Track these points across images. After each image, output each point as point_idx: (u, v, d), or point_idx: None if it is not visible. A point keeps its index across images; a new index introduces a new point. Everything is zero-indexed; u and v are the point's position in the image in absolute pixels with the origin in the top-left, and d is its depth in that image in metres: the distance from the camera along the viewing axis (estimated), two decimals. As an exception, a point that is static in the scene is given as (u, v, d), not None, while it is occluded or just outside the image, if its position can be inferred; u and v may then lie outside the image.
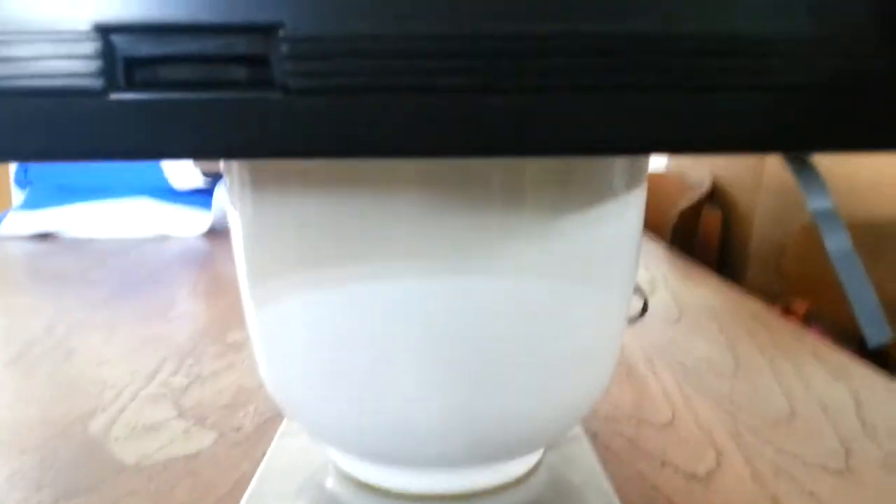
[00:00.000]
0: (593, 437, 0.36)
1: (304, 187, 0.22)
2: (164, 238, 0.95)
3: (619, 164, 0.23)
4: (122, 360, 0.47)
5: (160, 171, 0.97)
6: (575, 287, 0.24)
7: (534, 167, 0.22)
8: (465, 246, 0.22)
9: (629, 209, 0.25)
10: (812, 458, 0.34)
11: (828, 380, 0.44)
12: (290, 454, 0.31)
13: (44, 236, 0.95)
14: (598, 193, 0.23)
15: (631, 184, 0.24)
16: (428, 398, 0.24)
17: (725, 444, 0.35)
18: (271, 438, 0.35)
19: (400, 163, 0.21)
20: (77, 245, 0.89)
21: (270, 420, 0.37)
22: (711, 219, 1.17)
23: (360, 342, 0.23)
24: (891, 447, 0.35)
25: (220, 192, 0.98)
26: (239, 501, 0.27)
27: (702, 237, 1.15)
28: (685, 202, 1.11)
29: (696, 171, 1.26)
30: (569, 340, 0.24)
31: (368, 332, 0.23)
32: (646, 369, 0.46)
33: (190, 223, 0.96)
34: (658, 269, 0.77)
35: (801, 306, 0.81)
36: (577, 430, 0.34)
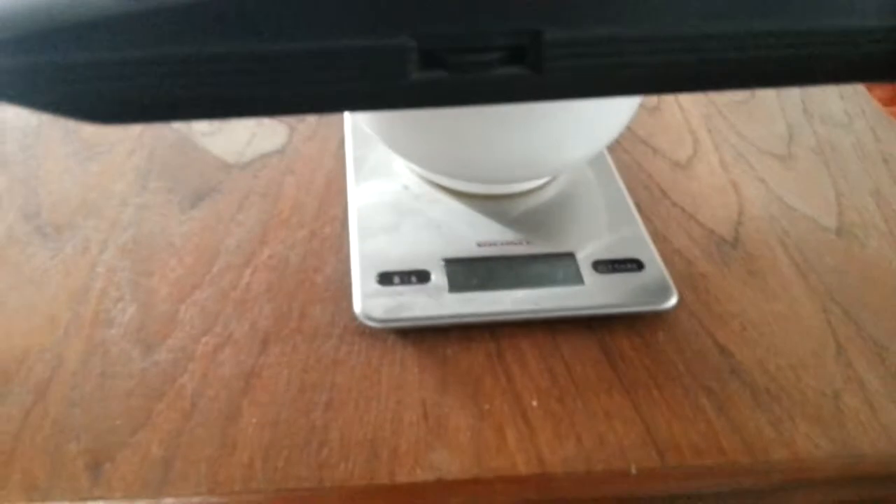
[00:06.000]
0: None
1: None
2: None
3: None
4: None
5: None
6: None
7: None
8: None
9: None
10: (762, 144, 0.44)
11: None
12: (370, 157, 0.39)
13: None
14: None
15: None
16: (489, 142, 0.31)
17: (699, 129, 0.44)
18: (333, 129, 0.41)
19: None
20: None
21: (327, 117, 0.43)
22: None
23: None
24: (822, 131, 0.45)
25: None
26: (334, 196, 0.36)
27: None
28: None
29: None
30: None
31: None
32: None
33: None
34: None
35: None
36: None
